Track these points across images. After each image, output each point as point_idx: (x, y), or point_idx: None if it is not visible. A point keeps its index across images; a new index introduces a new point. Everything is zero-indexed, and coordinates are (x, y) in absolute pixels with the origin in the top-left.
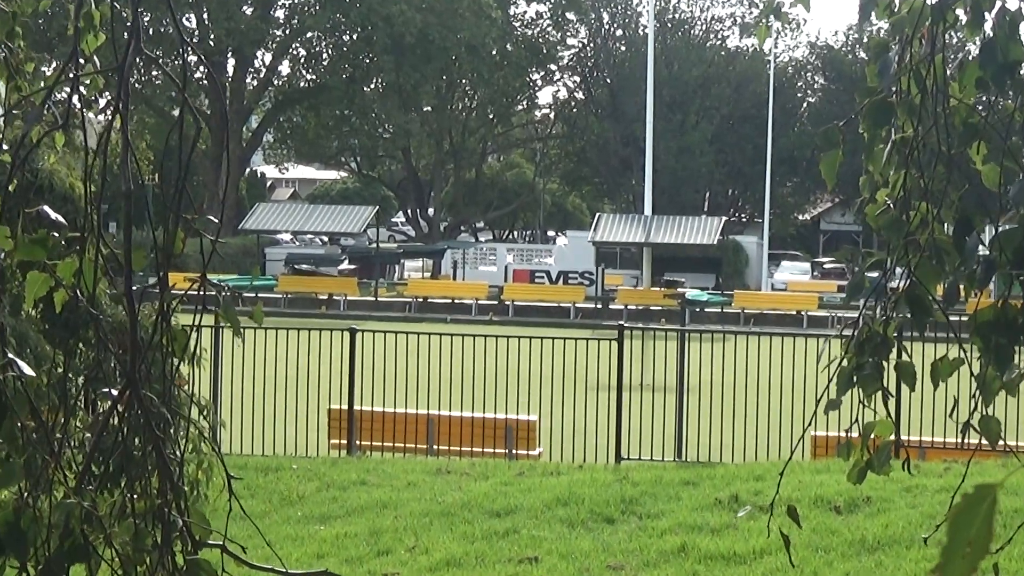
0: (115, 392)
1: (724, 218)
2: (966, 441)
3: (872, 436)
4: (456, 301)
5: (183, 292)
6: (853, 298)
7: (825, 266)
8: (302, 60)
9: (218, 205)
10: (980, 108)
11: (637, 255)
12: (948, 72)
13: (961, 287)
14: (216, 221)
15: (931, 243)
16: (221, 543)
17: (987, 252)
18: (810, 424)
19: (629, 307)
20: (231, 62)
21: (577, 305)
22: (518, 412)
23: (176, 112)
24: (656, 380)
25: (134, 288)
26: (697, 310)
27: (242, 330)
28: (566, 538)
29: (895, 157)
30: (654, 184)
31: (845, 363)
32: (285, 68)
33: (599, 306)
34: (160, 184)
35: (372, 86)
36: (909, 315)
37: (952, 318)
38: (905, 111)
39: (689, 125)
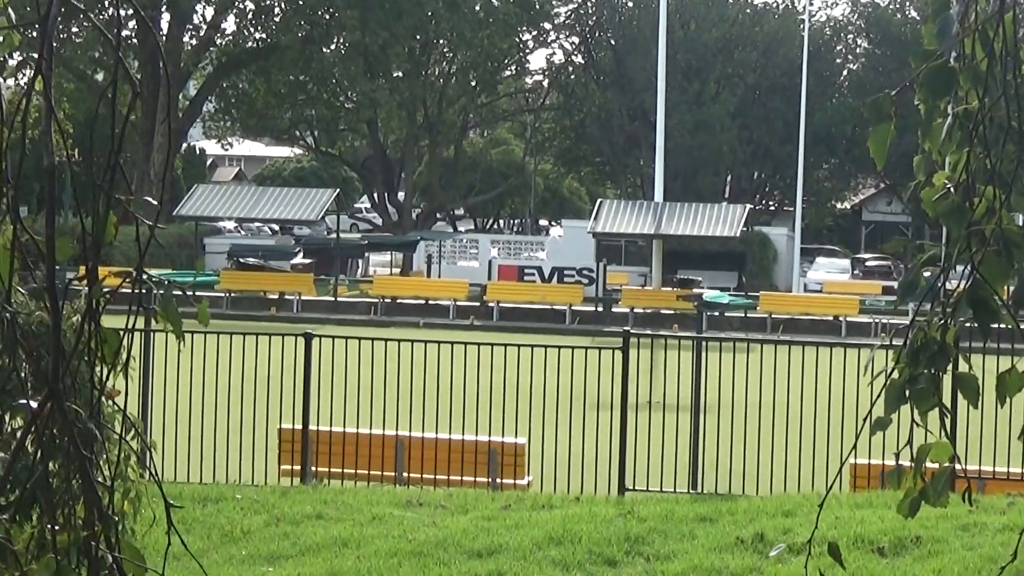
0: (33, 405)
1: (748, 206)
2: None
3: (927, 461)
4: (430, 302)
5: (114, 288)
6: (905, 300)
7: (868, 263)
8: (250, 15)
9: (149, 187)
10: None
11: (645, 249)
12: (1021, 32)
13: None
14: (155, 203)
15: (998, 234)
16: None
17: None
18: (852, 450)
19: (635, 310)
20: (166, 17)
21: (574, 308)
22: (504, 434)
23: (100, 76)
24: (667, 397)
25: (56, 283)
26: (716, 314)
27: (183, 333)
28: None
29: (957, 133)
30: (666, 165)
31: (896, 375)
32: (230, 25)
33: (600, 309)
34: (81, 161)
35: (332, 47)
36: (972, 319)
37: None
38: (969, 79)
39: (708, 96)
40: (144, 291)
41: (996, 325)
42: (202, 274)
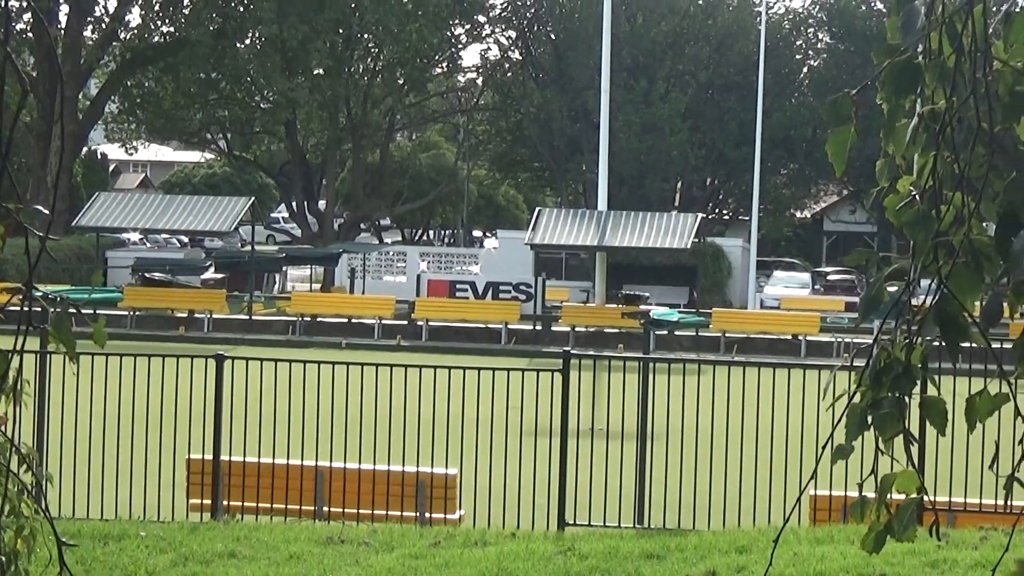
0: None
1: (700, 215)
2: (1010, 503)
3: (892, 493)
4: (354, 320)
5: (1, 305)
6: (868, 317)
7: (830, 278)
8: (156, 7)
9: (46, 195)
10: None
11: (588, 262)
12: (991, 27)
13: (1005, 303)
14: (46, 212)
15: (967, 246)
16: None
17: None
18: (811, 480)
19: (577, 329)
20: (64, 9)
21: (510, 327)
22: (433, 464)
23: None
24: (611, 424)
25: None
26: (665, 333)
27: (78, 355)
28: None
29: (922, 135)
30: (610, 171)
31: (857, 399)
32: (135, 17)
33: (538, 328)
34: None
35: (247, 42)
36: (939, 338)
37: (994, 342)
38: (935, 76)
39: (656, 95)
40: (39, 309)
41: (965, 344)
42: (101, 290)
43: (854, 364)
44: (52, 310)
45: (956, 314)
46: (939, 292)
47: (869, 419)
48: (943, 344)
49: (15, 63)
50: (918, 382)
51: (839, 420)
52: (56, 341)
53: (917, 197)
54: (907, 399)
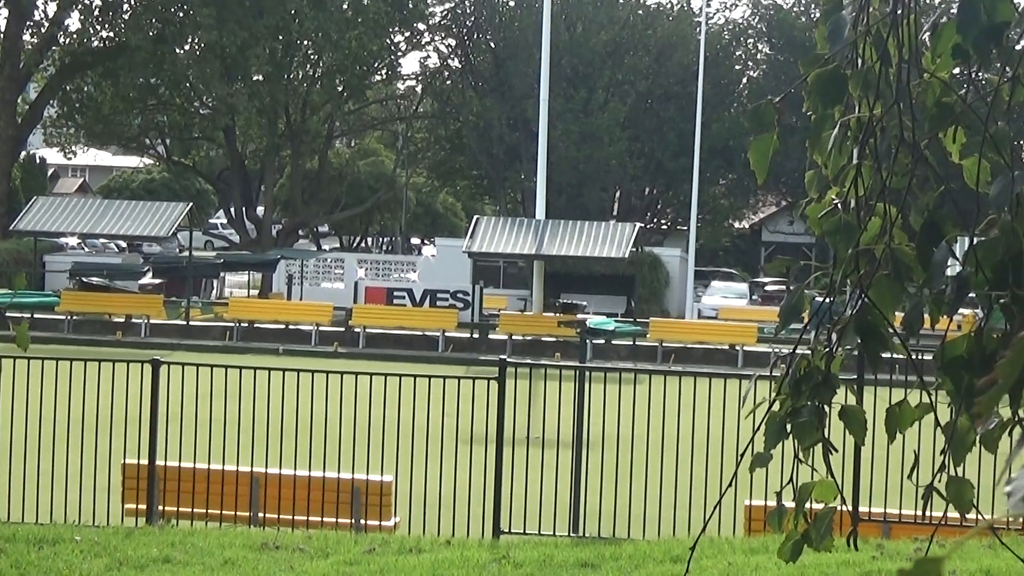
0: None
1: (639, 225)
2: (929, 512)
3: (812, 502)
4: (291, 327)
5: None
6: (787, 324)
7: (767, 288)
8: (96, 11)
9: None
10: (958, 84)
11: (526, 271)
12: (918, 37)
13: (926, 312)
14: None
15: (889, 255)
16: None
17: (960, 268)
18: (729, 486)
19: (514, 337)
20: (3, 12)
21: (447, 334)
22: (369, 471)
23: None
24: (547, 432)
25: None
26: (602, 342)
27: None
28: None
29: (848, 144)
30: (549, 180)
31: (777, 407)
32: (74, 22)
33: (476, 336)
34: None
35: (186, 47)
36: (859, 347)
37: (914, 352)
38: (860, 85)
39: (595, 104)
40: None
41: (886, 353)
42: (26, 294)
43: (773, 372)
44: None
45: (877, 323)
46: (860, 301)
47: (788, 427)
48: (864, 352)
49: None
50: (838, 391)
51: (758, 428)
52: None
53: (839, 206)
54: (826, 408)
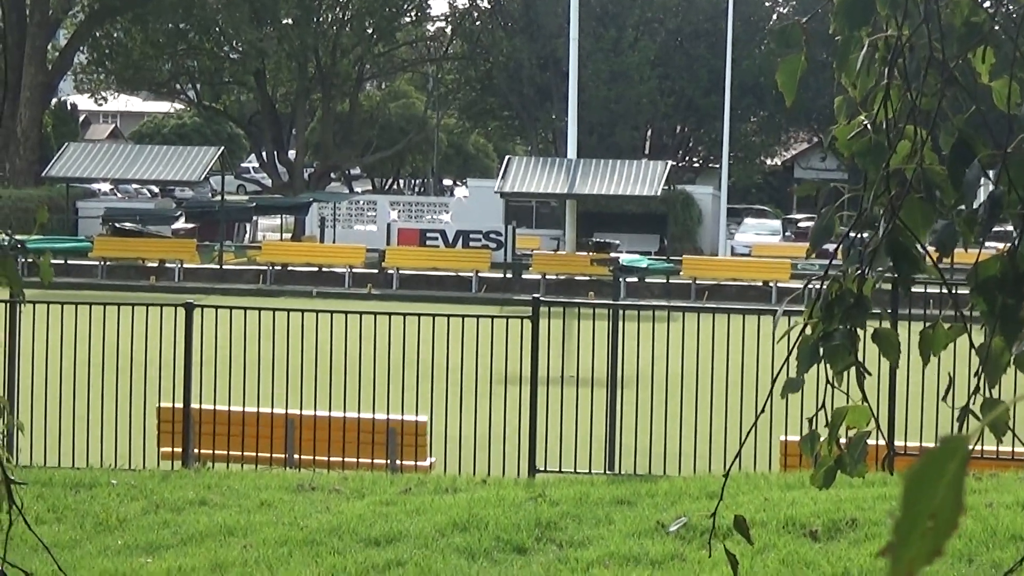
0: None
1: (670, 163)
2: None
3: (844, 427)
4: (324, 269)
5: None
6: (818, 247)
7: (800, 224)
8: None
9: (17, 146)
10: (986, 2)
11: (558, 210)
12: None
13: (959, 233)
14: None
15: (920, 176)
16: None
17: (992, 187)
18: (761, 413)
19: (547, 277)
20: None
21: (480, 275)
22: (404, 412)
23: None
24: (581, 370)
25: None
26: (635, 280)
27: (23, 292)
28: (465, 572)
29: (875, 65)
30: (580, 119)
31: (808, 331)
32: None
33: (509, 276)
34: None
35: None
36: (891, 270)
37: (947, 273)
38: (887, 5)
39: (625, 43)
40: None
41: (918, 275)
42: (61, 239)
43: (807, 294)
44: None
45: (908, 245)
46: (891, 223)
47: (820, 351)
48: (896, 275)
49: None
50: (869, 313)
51: (790, 353)
52: (2, 279)
53: (869, 127)
54: (858, 331)
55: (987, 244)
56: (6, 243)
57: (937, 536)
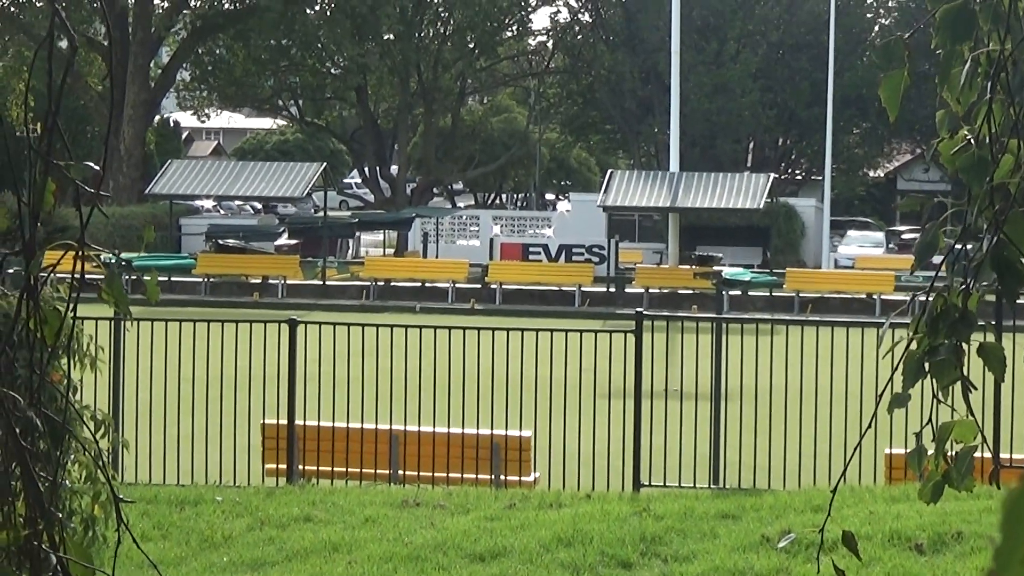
0: None
1: (773, 175)
2: None
3: (951, 441)
4: (427, 285)
5: (51, 266)
6: (923, 262)
7: (903, 236)
8: None
9: (119, 163)
10: None
11: (661, 224)
12: None
13: None
14: (96, 168)
15: None
16: None
17: None
18: (868, 427)
19: (650, 291)
20: None
21: (584, 289)
22: (508, 427)
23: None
24: (685, 384)
25: None
26: (738, 294)
27: (130, 312)
28: None
29: (978, 80)
30: (682, 132)
31: (914, 346)
32: None
33: (612, 290)
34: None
35: (317, 8)
36: (996, 284)
37: None
38: (989, 18)
39: (727, 56)
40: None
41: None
42: (165, 256)
43: (913, 309)
44: (107, 268)
45: (1013, 259)
46: (995, 237)
47: (926, 366)
48: (1001, 288)
49: (60, 13)
50: (974, 328)
51: (895, 368)
52: (108, 298)
53: (972, 141)
54: (964, 345)
55: None
56: (113, 262)
57: None
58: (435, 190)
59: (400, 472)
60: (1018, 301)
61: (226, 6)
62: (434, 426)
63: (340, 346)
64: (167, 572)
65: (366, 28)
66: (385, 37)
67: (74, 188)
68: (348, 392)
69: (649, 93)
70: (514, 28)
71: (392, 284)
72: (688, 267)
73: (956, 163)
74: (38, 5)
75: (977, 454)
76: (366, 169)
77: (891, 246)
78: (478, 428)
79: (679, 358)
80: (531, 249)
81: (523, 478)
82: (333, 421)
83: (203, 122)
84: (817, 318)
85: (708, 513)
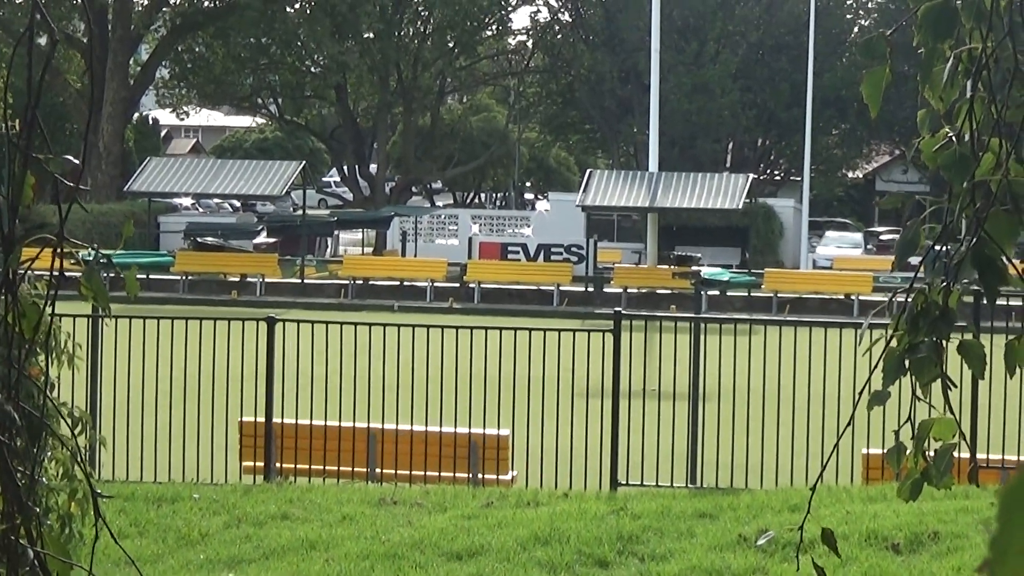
0: None
1: (752, 176)
2: None
3: (929, 439)
4: (406, 283)
5: (29, 260)
6: (904, 259)
7: (882, 237)
8: None
9: (98, 160)
10: None
11: (639, 224)
12: None
13: None
14: (76, 162)
15: (1005, 188)
16: None
17: None
18: (847, 427)
19: (629, 290)
20: None
21: (562, 288)
22: (485, 426)
23: (43, 40)
24: (663, 384)
25: None
26: (717, 294)
27: (110, 307)
28: None
29: (959, 78)
30: (661, 132)
31: (894, 344)
32: None
33: (590, 289)
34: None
35: (297, 6)
36: (976, 281)
37: None
38: (971, 16)
39: (706, 56)
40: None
41: (1004, 288)
42: (143, 254)
43: (892, 308)
44: (84, 262)
45: (994, 256)
46: (976, 235)
47: (906, 363)
48: (981, 287)
49: (42, 7)
50: (954, 326)
51: (875, 366)
52: (86, 292)
53: (954, 139)
54: (944, 343)
55: None
56: (92, 257)
57: None
58: (414, 189)
59: (377, 470)
60: (997, 301)
61: (206, 4)
62: (412, 424)
63: (318, 344)
64: (144, 569)
65: (346, 26)
66: (365, 35)
67: (53, 185)
68: (326, 390)
69: (629, 93)
70: (494, 27)
71: (370, 283)
72: (667, 267)
73: (938, 161)
74: (17, 1)
75: (954, 453)
76: (345, 168)
77: (869, 247)
78: (456, 427)
79: (657, 358)
80: (510, 248)
81: (501, 477)
82: (311, 419)
83: (182, 120)
84: (795, 318)
85: (685, 512)
